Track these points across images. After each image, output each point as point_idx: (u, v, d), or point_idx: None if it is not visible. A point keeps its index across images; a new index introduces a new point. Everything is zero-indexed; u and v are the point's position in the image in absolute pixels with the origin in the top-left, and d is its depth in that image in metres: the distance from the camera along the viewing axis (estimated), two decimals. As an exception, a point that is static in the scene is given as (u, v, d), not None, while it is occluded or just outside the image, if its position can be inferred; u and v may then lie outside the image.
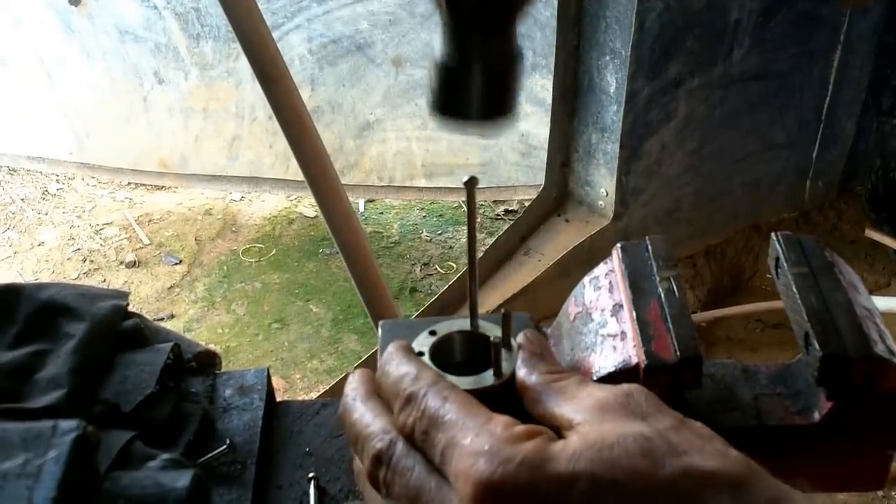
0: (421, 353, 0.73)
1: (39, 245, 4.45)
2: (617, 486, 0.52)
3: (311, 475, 0.99)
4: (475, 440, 0.56)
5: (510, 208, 4.42)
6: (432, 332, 0.76)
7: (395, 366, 0.67)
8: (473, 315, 0.77)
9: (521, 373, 0.68)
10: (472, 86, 0.77)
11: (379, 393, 0.68)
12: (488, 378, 0.70)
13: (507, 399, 0.68)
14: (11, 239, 4.50)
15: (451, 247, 4.23)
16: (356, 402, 0.68)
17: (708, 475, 0.52)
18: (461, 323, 0.77)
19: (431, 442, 0.59)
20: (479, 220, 4.36)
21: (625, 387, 0.61)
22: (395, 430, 0.63)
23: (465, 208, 0.74)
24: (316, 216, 4.42)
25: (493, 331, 0.75)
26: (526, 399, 0.66)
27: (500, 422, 0.58)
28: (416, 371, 0.66)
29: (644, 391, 0.61)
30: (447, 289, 3.32)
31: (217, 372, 1.13)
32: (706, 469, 0.53)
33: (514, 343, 0.72)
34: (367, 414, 0.66)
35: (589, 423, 0.58)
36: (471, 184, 0.71)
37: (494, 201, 4.45)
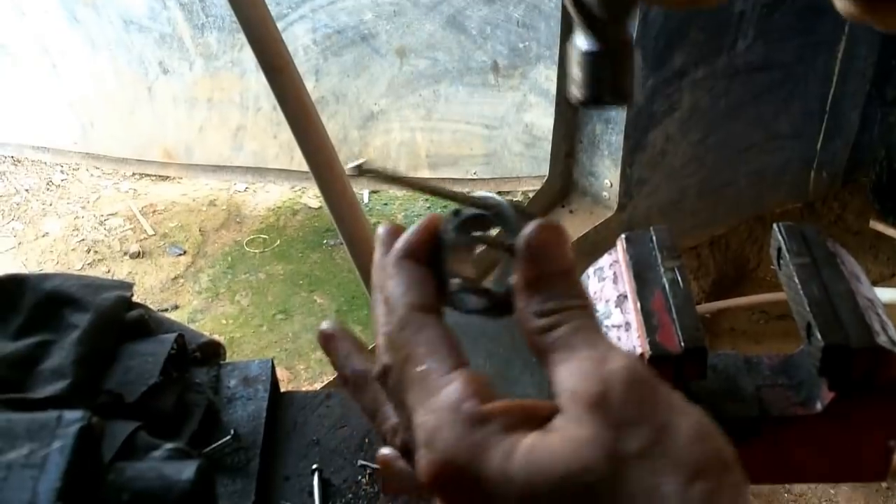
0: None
1: (44, 236, 4.45)
2: (552, 490, 0.50)
3: (314, 467, 1.00)
4: (428, 412, 0.55)
5: (514, 199, 4.41)
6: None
7: (384, 277, 0.63)
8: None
9: (518, 302, 0.60)
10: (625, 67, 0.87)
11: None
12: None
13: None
14: (16, 229, 4.50)
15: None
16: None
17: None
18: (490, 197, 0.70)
19: (398, 398, 0.58)
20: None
21: (605, 380, 0.54)
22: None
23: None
24: (320, 207, 4.43)
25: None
26: (525, 328, 0.60)
27: (466, 394, 0.56)
28: (397, 294, 0.61)
29: (626, 388, 0.54)
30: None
31: (221, 363, 1.13)
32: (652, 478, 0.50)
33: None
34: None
35: (559, 423, 0.54)
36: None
37: (499, 192, 4.42)
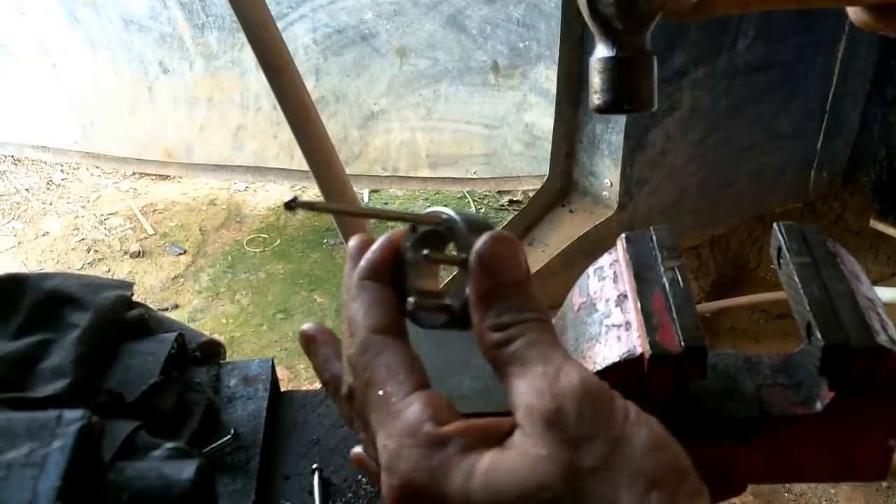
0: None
1: (44, 235, 4.45)
2: None
3: (314, 466, 1.00)
4: (391, 436, 0.55)
5: (514, 199, 4.42)
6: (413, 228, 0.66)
7: (349, 299, 0.64)
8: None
9: (473, 317, 0.59)
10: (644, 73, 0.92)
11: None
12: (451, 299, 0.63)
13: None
14: (16, 229, 4.51)
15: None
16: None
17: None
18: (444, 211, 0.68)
19: (361, 414, 0.59)
20: (482, 210, 4.37)
21: (558, 396, 0.53)
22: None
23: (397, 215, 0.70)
24: (320, 206, 4.42)
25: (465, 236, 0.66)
26: (480, 339, 0.59)
27: (424, 417, 0.56)
28: (359, 318, 0.63)
29: (579, 404, 0.53)
30: (451, 279, 3.32)
31: (221, 362, 1.13)
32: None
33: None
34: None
35: (517, 439, 0.54)
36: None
37: (499, 192, 4.45)
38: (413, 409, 0.55)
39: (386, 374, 0.58)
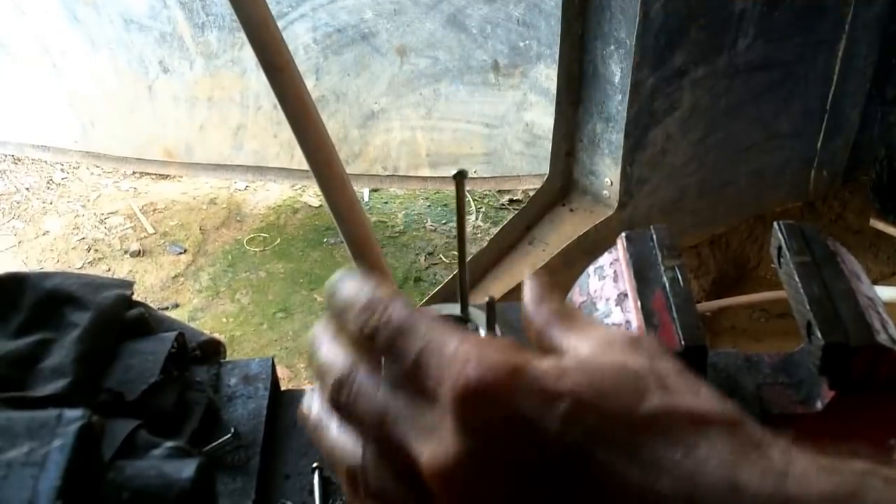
0: None
1: (44, 234, 4.45)
2: (598, 412, 0.50)
3: (314, 465, 1.00)
4: (460, 347, 0.53)
5: (514, 198, 4.41)
6: None
7: (349, 287, 0.62)
8: (464, 302, 0.76)
9: (529, 307, 0.63)
10: None
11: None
12: None
13: None
14: (16, 228, 4.50)
15: (455, 236, 4.21)
16: (320, 341, 0.63)
17: (697, 416, 0.51)
18: (451, 308, 0.77)
19: (400, 351, 0.55)
20: (483, 209, 4.36)
21: (636, 332, 0.58)
22: (357, 354, 0.59)
23: (455, 200, 0.74)
24: (320, 205, 4.43)
25: (481, 318, 0.74)
26: (531, 332, 0.62)
27: (485, 335, 0.57)
28: (374, 285, 0.61)
29: (655, 340, 0.59)
30: (451, 278, 3.32)
31: (221, 361, 1.13)
32: (696, 411, 0.51)
33: (497, 329, 0.70)
34: (332, 349, 0.61)
35: (590, 351, 0.56)
36: (460, 176, 0.71)
37: (499, 191, 4.45)
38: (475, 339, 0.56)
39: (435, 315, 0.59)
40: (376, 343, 0.57)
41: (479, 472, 0.51)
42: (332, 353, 0.61)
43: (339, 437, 0.60)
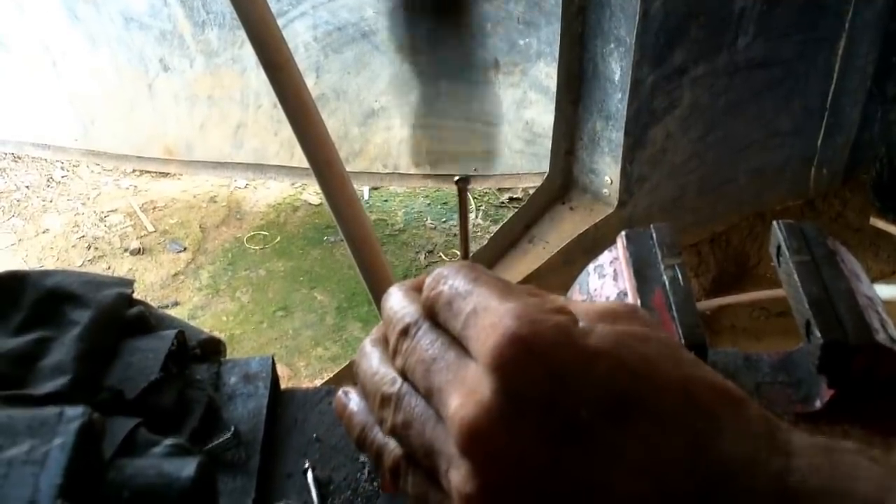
0: None
1: (44, 232, 4.45)
2: (635, 375, 0.51)
3: (306, 465, 0.99)
4: (505, 303, 0.54)
5: (514, 196, 4.41)
6: None
7: (399, 298, 0.64)
8: None
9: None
10: None
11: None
12: None
13: None
14: (16, 226, 4.51)
15: (455, 234, 4.22)
16: (368, 346, 0.65)
17: (719, 388, 0.53)
18: None
19: (455, 312, 0.57)
20: (483, 207, 4.37)
21: (629, 303, 0.60)
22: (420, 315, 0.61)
23: (458, 206, 0.74)
24: (321, 204, 4.43)
25: None
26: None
27: (534, 294, 0.57)
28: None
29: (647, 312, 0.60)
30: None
31: (221, 359, 1.13)
32: (718, 383, 0.54)
33: None
34: (404, 301, 0.63)
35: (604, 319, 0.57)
36: (463, 182, 0.72)
37: (499, 189, 4.45)
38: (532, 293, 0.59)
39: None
40: (437, 307, 0.59)
41: (508, 426, 0.51)
42: (404, 303, 0.63)
43: (381, 367, 0.62)
